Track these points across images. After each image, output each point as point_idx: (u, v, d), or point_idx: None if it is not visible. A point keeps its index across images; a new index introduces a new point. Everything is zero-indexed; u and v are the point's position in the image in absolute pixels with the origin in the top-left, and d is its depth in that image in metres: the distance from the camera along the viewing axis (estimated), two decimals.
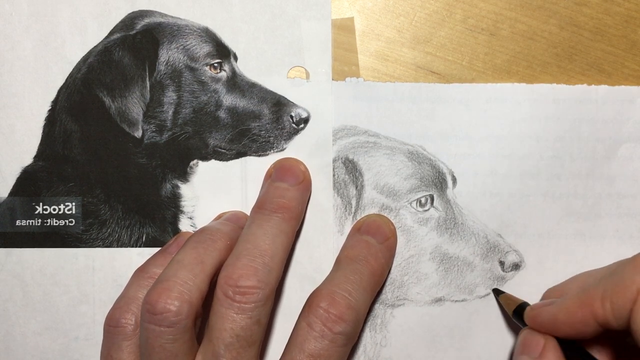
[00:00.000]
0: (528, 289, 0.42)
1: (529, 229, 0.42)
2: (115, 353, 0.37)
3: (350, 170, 0.42)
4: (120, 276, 0.42)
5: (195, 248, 0.37)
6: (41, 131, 0.42)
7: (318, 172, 0.42)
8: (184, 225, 0.43)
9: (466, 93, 0.42)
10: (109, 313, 0.38)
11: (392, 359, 0.42)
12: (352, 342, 0.37)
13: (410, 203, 0.42)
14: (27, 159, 0.42)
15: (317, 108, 0.42)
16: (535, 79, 0.42)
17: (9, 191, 0.42)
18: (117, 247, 0.42)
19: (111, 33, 0.42)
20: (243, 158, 0.42)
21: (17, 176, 0.42)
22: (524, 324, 0.38)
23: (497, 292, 0.42)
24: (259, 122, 0.42)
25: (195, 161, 0.42)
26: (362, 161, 0.42)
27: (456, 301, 0.42)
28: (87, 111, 0.42)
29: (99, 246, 0.42)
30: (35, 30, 0.42)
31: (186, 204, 0.43)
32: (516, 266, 0.42)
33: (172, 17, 0.42)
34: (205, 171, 0.42)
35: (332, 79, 0.42)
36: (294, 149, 0.42)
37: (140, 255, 0.42)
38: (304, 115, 0.42)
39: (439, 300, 0.42)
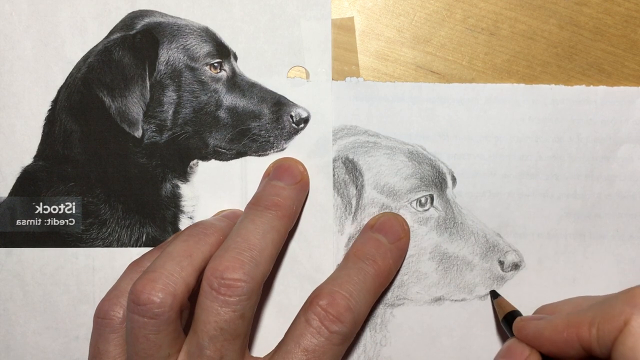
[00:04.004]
0: (528, 289, 0.42)
1: (528, 229, 0.42)
2: (102, 345, 0.38)
3: (350, 170, 0.42)
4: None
5: (186, 241, 0.38)
6: (41, 131, 0.42)
7: (318, 172, 0.42)
8: (184, 225, 0.43)
9: (466, 93, 0.42)
10: (98, 305, 0.38)
11: (392, 359, 0.42)
12: (349, 342, 0.38)
13: (410, 203, 0.42)
14: (27, 159, 0.42)
15: (317, 108, 0.42)
16: (535, 79, 0.42)
17: (9, 191, 0.42)
18: (117, 246, 0.42)
19: (111, 33, 0.42)
20: (243, 158, 0.42)
21: (17, 176, 0.42)
22: (511, 333, 0.38)
23: (494, 295, 0.42)
24: (259, 121, 0.42)
25: (195, 161, 0.42)
26: (362, 161, 0.42)
27: (456, 300, 0.42)
28: (87, 111, 0.42)
29: (99, 246, 0.42)
30: (35, 30, 0.42)
31: (186, 203, 0.43)
32: (516, 266, 0.42)
33: (172, 17, 0.42)
34: (205, 171, 0.43)
35: (332, 79, 0.42)
36: (294, 148, 0.42)
37: (140, 254, 0.42)
38: (304, 115, 0.42)
39: (438, 299, 0.42)
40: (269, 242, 0.37)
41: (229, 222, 0.40)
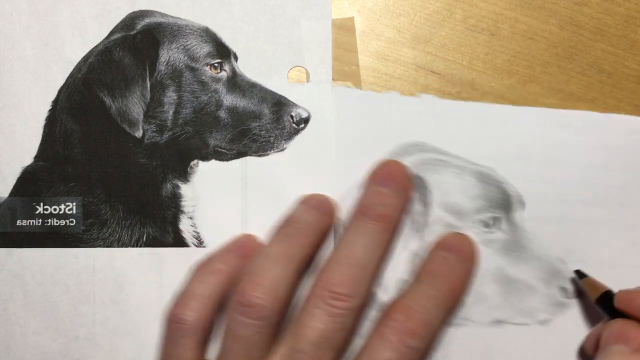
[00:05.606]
0: (590, 316, 0.41)
1: (593, 257, 0.41)
2: (174, 350, 0.38)
3: (418, 187, 0.42)
4: (121, 276, 0.42)
5: (284, 242, 0.38)
6: (41, 131, 0.42)
7: (318, 172, 0.42)
8: (185, 225, 0.43)
9: (538, 117, 0.42)
10: (169, 308, 0.38)
11: None
12: (423, 357, 0.37)
13: (476, 223, 0.42)
14: (28, 159, 0.42)
15: (317, 108, 0.42)
16: (535, 79, 0.42)
17: (9, 191, 0.42)
18: (118, 247, 0.42)
19: (111, 33, 0.42)
20: (243, 158, 0.42)
21: (18, 176, 0.42)
22: (610, 314, 0.37)
23: (580, 275, 0.41)
24: (259, 122, 0.42)
25: (195, 161, 0.42)
26: (430, 179, 0.42)
27: (516, 324, 0.42)
28: (88, 111, 0.42)
29: (99, 246, 0.42)
30: (35, 30, 0.42)
31: (186, 204, 0.43)
32: (579, 293, 0.41)
33: (172, 17, 0.42)
34: (205, 171, 0.43)
35: (333, 79, 0.42)
36: (294, 149, 0.42)
37: (140, 255, 0.42)
38: (304, 115, 0.42)
39: (499, 322, 0.42)
40: (376, 259, 0.38)
41: (320, 215, 0.40)
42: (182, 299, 0.38)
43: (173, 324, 0.38)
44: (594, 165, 0.42)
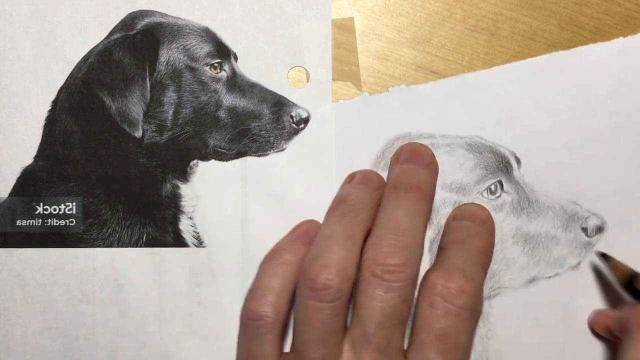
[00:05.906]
0: (618, 248, 0.41)
1: (603, 191, 0.42)
2: (257, 347, 0.37)
3: None
4: (121, 276, 0.42)
5: (341, 222, 0.38)
6: (41, 131, 0.42)
7: (318, 172, 0.42)
8: (184, 225, 0.43)
9: (509, 73, 0.42)
10: (245, 305, 0.38)
11: (501, 350, 0.42)
12: (477, 316, 0.37)
13: (481, 193, 0.42)
14: (28, 159, 0.43)
15: (317, 108, 0.42)
16: None
17: (9, 191, 0.42)
18: (118, 247, 0.43)
19: (111, 33, 0.42)
20: (243, 158, 0.42)
21: (18, 176, 0.42)
22: (636, 297, 0.37)
23: (605, 257, 0.41)
24: (259, 122, 0.42)
25: (195, 161, 0.43)
26: None
27: (550, 277, 0.42)
28: (88, 111, 0.42)
29: (99, 246, 0.42)
30: (35, 30, 0.42)
31: (186, 204, 0.43)
32: (599, 229, 0.42)
33: (172, 17, 0.42)
34: (205, 171, 0.43)
35: (333, 79, 0.42)
36: (294, 148, 0.42)
37: (140, 255, 0.42)
38: (304, 115, 0.42)
39: (532, 280, 0.42)
40: (419, 226, 0.38)
41: (370, 191, 0.39)
42: (257, 294, 0.38)
43: (253, 321, 0.38)
44: (575, 103, 0.42)
